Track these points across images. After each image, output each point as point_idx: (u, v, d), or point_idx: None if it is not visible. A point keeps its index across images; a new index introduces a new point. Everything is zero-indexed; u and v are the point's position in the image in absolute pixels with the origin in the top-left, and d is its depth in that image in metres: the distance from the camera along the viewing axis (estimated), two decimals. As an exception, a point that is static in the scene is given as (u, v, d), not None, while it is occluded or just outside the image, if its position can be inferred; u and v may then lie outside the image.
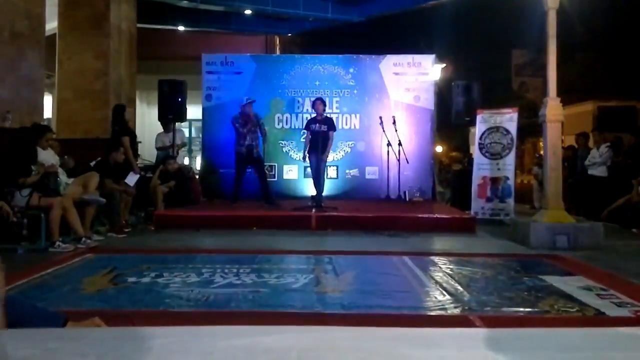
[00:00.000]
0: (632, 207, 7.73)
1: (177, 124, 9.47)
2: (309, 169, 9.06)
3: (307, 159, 8.45)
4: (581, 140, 9.92)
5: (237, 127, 8.47)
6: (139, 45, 11.90)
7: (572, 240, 5.90)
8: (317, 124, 8.29)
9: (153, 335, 1.56)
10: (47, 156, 6.36)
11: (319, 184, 8.25)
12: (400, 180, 9.48)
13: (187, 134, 15.49)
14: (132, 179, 7.24)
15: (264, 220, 7.39)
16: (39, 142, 6.31)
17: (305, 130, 8.66)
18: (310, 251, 5.55)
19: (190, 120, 13.11)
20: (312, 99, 9.09)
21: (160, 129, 9.64)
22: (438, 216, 7.71)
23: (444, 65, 11.29)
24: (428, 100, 10.20)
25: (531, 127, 14.24)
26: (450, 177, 12.46)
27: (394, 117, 9.58)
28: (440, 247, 6.32)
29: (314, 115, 8.64)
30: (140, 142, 9.45)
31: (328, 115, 8.81)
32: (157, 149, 9.33)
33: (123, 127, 7.85)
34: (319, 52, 11.10)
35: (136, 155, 8.15)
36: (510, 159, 8.37)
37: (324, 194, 8.40)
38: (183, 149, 9.99)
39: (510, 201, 8.32)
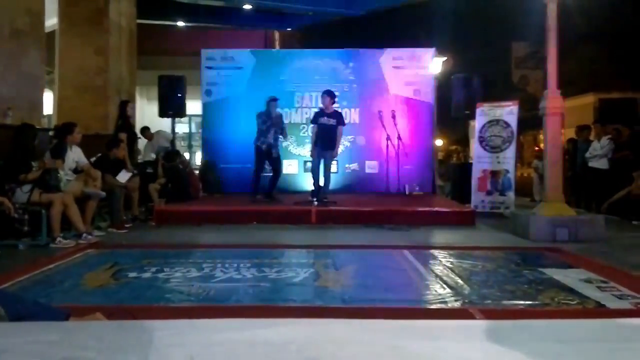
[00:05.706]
0: (633, 200, 7.73)
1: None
2: (309, 164, 9.01)
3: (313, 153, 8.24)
4: (582, 133, 9.90)
5: (259, 123, 8.37)
6: (139, 40, 11.87)
7: (572, 232, 5.90)
8: (326, 117, 8.11)
9: (153, 328, 1.56)
10: (77, 155, 6.40)
11: (326, 177, 8.11)
12: (400, 174, 9.48)
13: (187, 130, 15.56)
14: (123, 177, 7.14)
15: (264, 215, 7.40)
16: (68, 140, 6.33)
17: (313, 124, 8.35)
18: (311, 245, 5.56)
19: (190, 116, 13.11)
20: (314, 94, 8.99)
21: (160, 125, 9.59)
22: (438, 209, 7.72)
23: (444, 58, 11.23)
24: (428, 94, 10.19)
25: (531, 120, 14.19)
26: (450, 170, 12.45)
27: (393, 111, 9.58)
28: (440, 240, 6.32)
29: (320, 108, 8.42)
30: (140, 137, 9.43)
31: (336, 109, 8.51)
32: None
33: (123, 122, 7.88)
34: (318, 47, 11.08)
35: (132, 152, 8.10)
36: (510, 152, 8.37)
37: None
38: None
39: (511, 194, 8.33)
